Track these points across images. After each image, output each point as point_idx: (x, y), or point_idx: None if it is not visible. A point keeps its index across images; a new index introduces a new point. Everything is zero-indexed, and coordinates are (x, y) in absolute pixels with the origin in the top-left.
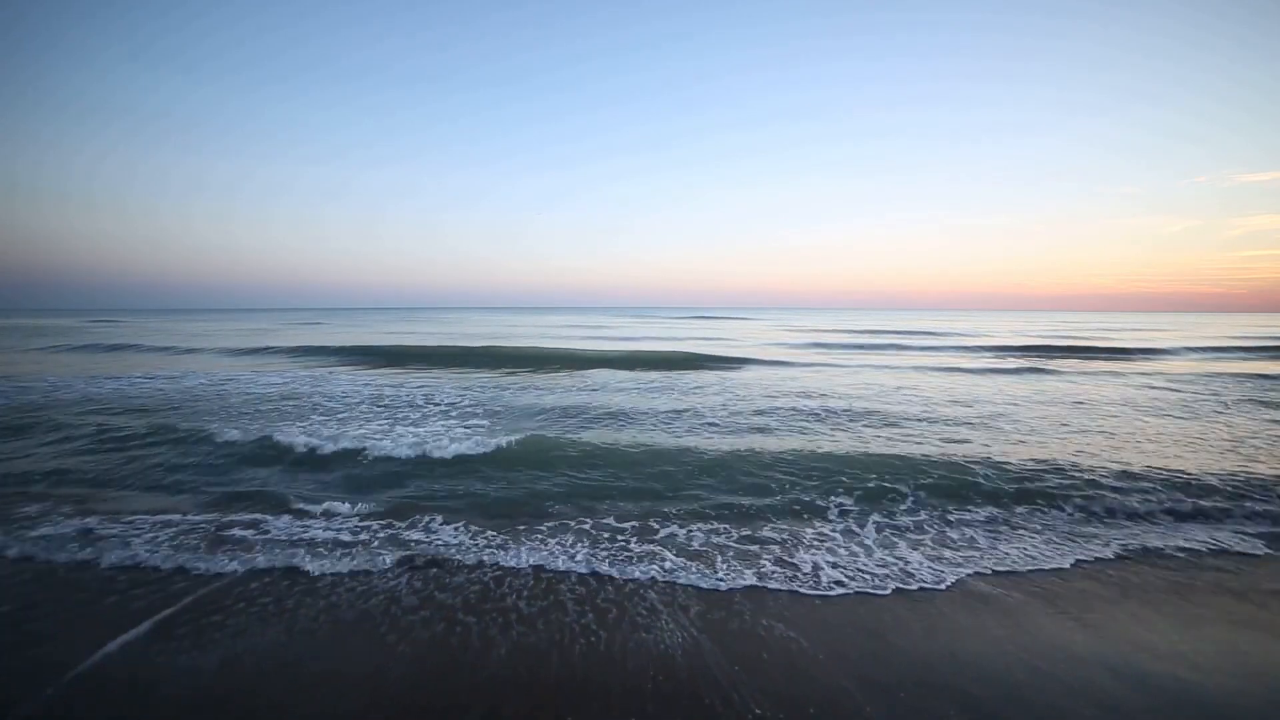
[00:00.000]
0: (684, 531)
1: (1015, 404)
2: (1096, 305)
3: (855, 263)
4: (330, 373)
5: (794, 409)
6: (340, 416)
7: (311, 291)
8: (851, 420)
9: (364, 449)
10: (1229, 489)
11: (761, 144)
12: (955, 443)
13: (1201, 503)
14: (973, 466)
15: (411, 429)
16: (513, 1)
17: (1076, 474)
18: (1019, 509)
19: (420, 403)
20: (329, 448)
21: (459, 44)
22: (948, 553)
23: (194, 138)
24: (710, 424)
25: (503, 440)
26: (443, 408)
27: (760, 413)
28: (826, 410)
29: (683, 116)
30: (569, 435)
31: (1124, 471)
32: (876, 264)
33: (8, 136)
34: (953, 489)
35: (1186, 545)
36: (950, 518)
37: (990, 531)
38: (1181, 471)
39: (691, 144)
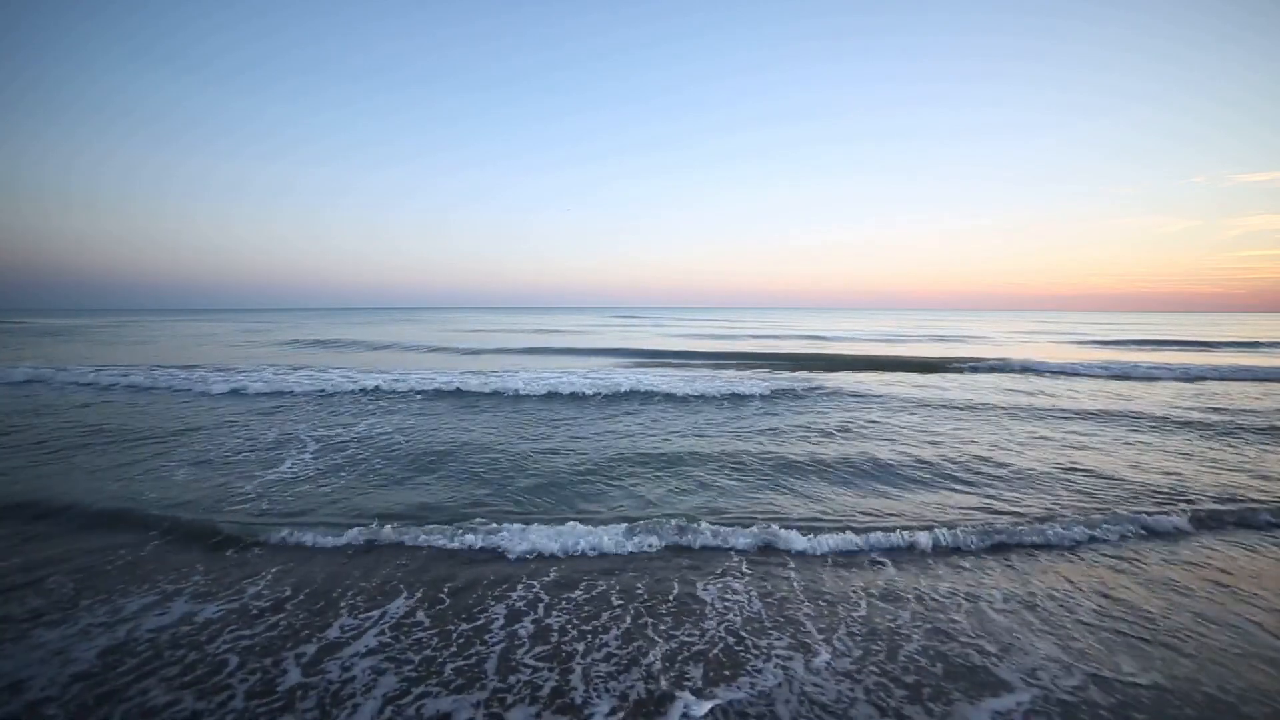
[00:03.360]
0: None
1: None
2: (1095, 305)
3: (857, 263)
4: None
5: None
6: None
7: (316, 292)
8: None
9: None
10: None
11: (764, 145)
12: None
13: None
14: None
15: None
16: (515, 3)
17: None
18: None
19: None
20: None
21: (462, 45)
22: None
23: (196, 138)
24: None
25: None
26: None
27: None
28: None
29: (685, 117)
30: None
31: None
32: (877, 265)
33: (9, 136)
34: None
35: None
36: None
37: None
38: None
39: (694, 145)
